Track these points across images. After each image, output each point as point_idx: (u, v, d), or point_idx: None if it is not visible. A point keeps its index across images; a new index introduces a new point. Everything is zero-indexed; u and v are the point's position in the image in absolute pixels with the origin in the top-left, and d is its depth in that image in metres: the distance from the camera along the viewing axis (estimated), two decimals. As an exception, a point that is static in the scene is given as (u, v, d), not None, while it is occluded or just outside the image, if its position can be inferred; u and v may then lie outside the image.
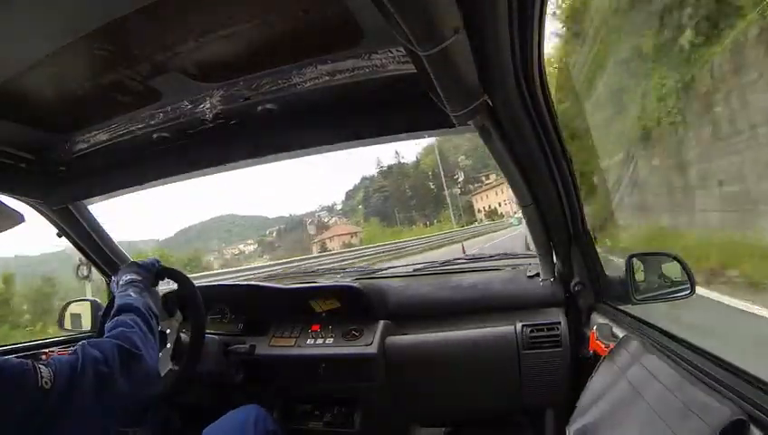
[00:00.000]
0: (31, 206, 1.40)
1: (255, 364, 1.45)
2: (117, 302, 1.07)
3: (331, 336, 1.45)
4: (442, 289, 1.50)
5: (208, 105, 1.07)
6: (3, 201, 0.88)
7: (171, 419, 1.44)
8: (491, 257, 1.78)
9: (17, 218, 0.92)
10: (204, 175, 1.37)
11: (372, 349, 1.37)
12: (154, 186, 1.40)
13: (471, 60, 0.67)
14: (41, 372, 0.74)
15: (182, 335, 1.29)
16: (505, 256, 1.79)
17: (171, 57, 0.91)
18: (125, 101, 1.05)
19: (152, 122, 1.13)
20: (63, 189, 1.39)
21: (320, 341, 1.45)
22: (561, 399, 1.26)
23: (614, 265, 1.38)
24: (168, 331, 1.28)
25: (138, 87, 1.00)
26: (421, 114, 0.97)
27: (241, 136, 1.16)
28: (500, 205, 49.13)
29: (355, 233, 38.59)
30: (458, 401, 1.42)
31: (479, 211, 51.24)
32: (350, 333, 1.44)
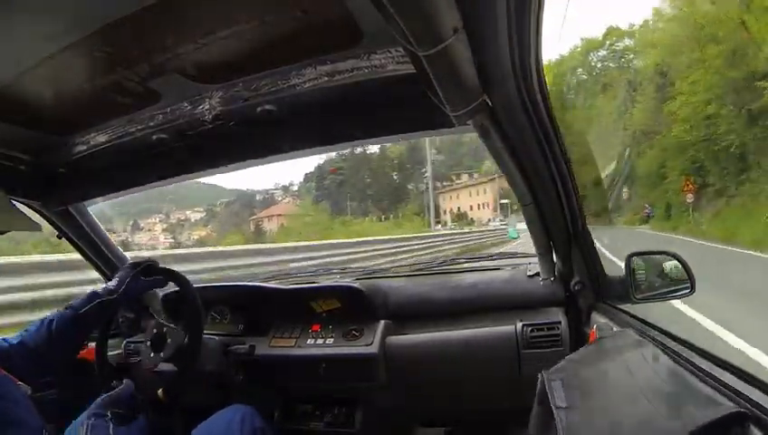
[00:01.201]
0: (30, 207, 1.40)
1: (255, 365, 1.45)
2: None
3: (332, 336, 1.45)
4: (442, 289, 1.50)
5: (208, 106, 1.06)
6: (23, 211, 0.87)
7: (165, 420, 1.41)
8: (491, 257, 1.78)
9: (33, 227, 0.93)
10: (204, 175, 1.37)
11: (373, 349, 1.37)
12: (154, 187, 1.40)
13: (471, 60, 0.67)
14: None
15: (182, 336, 1.29)
16: (505, 255, 1.80)
17: (170, 58, 0.91)
18: (124, 102, 1.05)
19: (151, 124, 1.13)
20: (63, 191, 1.39)
21: (320, 341, 1.45)
22: None
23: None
24: (167, 332, 1.28)
25: (137, 88, 1.00)
26: (421, 114, 0.97)
27: (240, 137, 1.16)
28: (471, 209, 45.26)
29: (294, 216, 34.17)
30: (458, 401, 1.42)
31: (445, 213, 47.45)
32: (350, 333, 1.44)
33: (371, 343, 1.38)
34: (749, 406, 0.56)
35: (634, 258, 1.22)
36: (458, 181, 49.82)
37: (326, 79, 0.97)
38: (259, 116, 1.09)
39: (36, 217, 1.40)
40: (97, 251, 1.62)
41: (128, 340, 1.62)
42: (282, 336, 1.50)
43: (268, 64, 0.97)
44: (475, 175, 48.59)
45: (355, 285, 1.50)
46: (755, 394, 0.58)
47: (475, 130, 0.86)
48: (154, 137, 1.17)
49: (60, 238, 1.55)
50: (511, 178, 1.04)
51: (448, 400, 1.42)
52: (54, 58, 0.84)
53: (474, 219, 42.49)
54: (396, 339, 1.40)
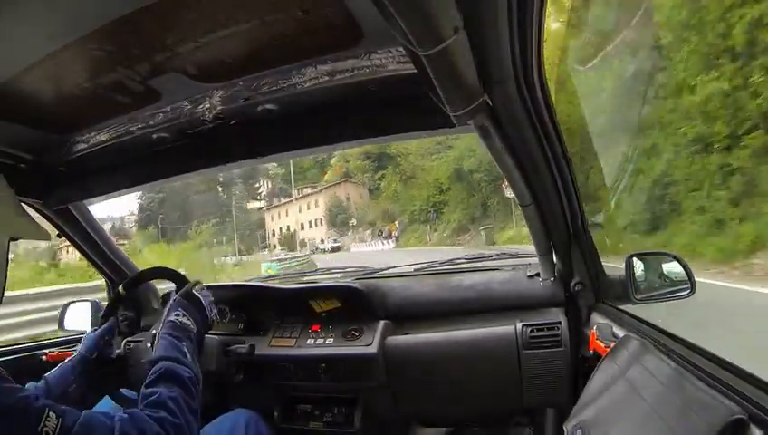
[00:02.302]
0: (30, 206, 1.40)
1: (255, 364, 1.45)
2: (162, 348, 0.93)
3: (331, 336, 1.45)
4: (442, 289, 1.50)
5: (208, 105, 1.07)
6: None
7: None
8: (491, 257, 1.78)
9: (44, 236, 0.94)
10: (203, 175, 1.37)
11: (372, 349, 1.37)
12: (153, 186, 1.41)
13: (471, 60, 0.67)
14: (47, 419, 0.66)
15: None
16: (505, 255, 1.79)
17: (171, 57, 0.91)
18: (125, 101, 1.05)
19: (152, 123, 1.13)
20: (63, 190, 1.39)
21: (320, 341, 1.45)
22: (561, 399, 1.26)
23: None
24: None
25: (137, 87, 1.00)
26: (421, 114, 0.97)
27: (241, 136, 1.16)
28: (303, 227, 37.54)
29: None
30: (458, 401, 1.42)
31: (273, 234, 40.07)
32: (350, 333, 1.43)
33: (371, 344, 1.38)
34: (751, 407, 0.56)
35: (634, 259, 1.22)
36: (301, 196, 41.22)
37: (326, 78, 0.97)
38: (259, 115, 1.09)
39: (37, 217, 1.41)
40: (97, 250, 1.62)
41: (127, 339, 1.62)
42: (282, 336, 1.50)
43: (269, 64, 0.97)
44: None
45: (355, 285, 1.50)
46: (756, 395, 0.58)
47: (476, 130, 0.86)
48: (154, 136, 1.17)
49: (60, 237, 1.55)
50: (511, 178, 1.04)
51: (448, 400, 1.42)
52: (55, 56, 0.84)
53: (306, 240, 36.09)
54: (395, 339, 1.40)
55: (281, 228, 40.51)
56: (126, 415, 0.76)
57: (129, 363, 1.47)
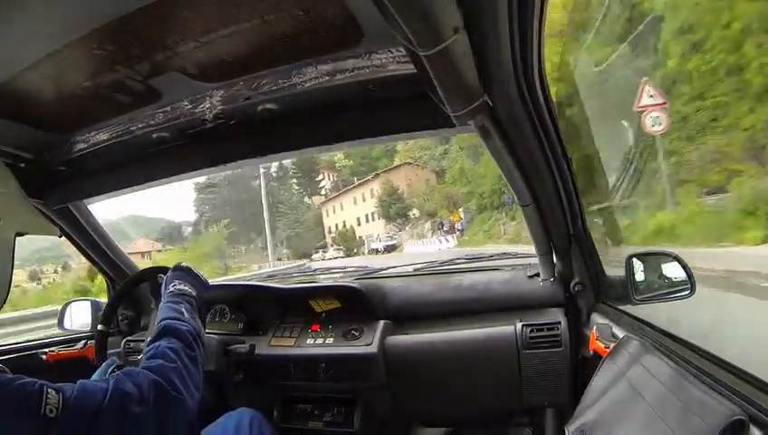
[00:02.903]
0: (42, 213, 1.40)
1: (255, 364, 1.45)
2: (163, 313, 0.95)
3: (331, 336, 1.45)
4: (442, 289, 1.50)
5: (208, 105, 1.07)
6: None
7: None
8: (491, 257, 1.78)
9: (52, 232, 0.94)
10: (203, 175, 1.37)
11: (372, 349, 1.37)
12: (154, 186, 1.40)
13: (471, 60, 0.67)
14: (47, 398, 0.65)
15: None
16: (505, 255, 1.79)
17: (171, 57, 0.91)
18: (125, 100, 1.05)
19: (152, 122, 1.13)
20: (63, 189, 1.39)
21: (320, 341, 1.45)
22: (561, 399, 1.26)
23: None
24: None
25: (138, 87, 1.00)
26: (421, 114, 0.97)
27: (241, 136, 1.16)
28: (359, 223, 30.77)
29: (148, 252, 25.39)
30: (458, 401, 1.42)
31: (330, 231, 33.40)
32: (350, 333, 1.43)
33: (371, 343, 1.38)
34: (751, 408, 0.56)
35: (634, 259, 1.22)
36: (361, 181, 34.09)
37: (327, 78, 0.97)
38: (260, 115, 1.09)
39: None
40: (98, 250, 1.62)
41: (127, 338, 1.63)
42: (282, 336, 1.50)
43: (269, 63, 0.97)
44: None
45: (355, 285, 1.50)
46: (756, 395, 0.59)
47: (476, 130, 0.86)
48: (155, 135, 1.17)
49: (60, 237, 1.55)
50: (511, 178, 1.04)
51: (448, 400, 1.42)
52: (55, 56, 0.84)
53: (363, 238, 29.75)
54: (395, 339, 1.40)
55: (336, 225, 33.64)
56: (120, 373, 0.76)
57: (129, 362, 1.47)
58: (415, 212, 29.66)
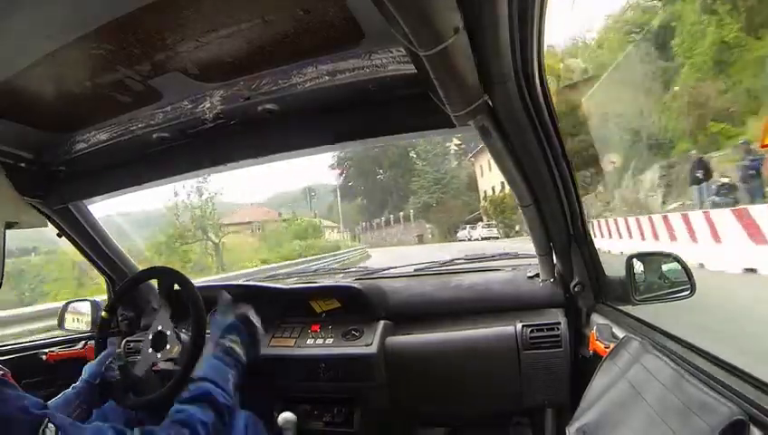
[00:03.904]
0: (31, 205, 1.40)
1: (255, 364, 1.44)
2: (208, 367, 0.90)
3: (331, 336, 1.45)
4: (442, 289, 1.50)
5: (208, 105, 1.07)
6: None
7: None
8: (491, 258, 1.78)
9: (40, 223, 0.93)
10: (203, 175, 1.37)
11: (372, 349, 1.37)
12: (154, 186, 1.40)
13: (471, 60, 0.67)
14: (46, 428, 0.63)
15: (182, 336, 1.29)
16: (505, 256, 1.79)
17: (172, 57, 0.91)
18: (125, 100, 1.05)
19: (152, 122, 1.13)
20: (63, 189, 1.39)
21: (320, 341, 1.45)
22: (561, 399, 1.26)
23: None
24: (168, 332, 1.28)
25: (138, 87, 1.00)
26: (421, 114, 0.97)
27: (241, 136, 1.16)
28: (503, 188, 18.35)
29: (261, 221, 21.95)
30: (458, 402, 1.42)
31: (485, 197, 23.86)
32: (349, 333, 1.43)
33: (371, 344, 1.38)
34: (751, 408, 0.56)
35: (634, 260, 1.22)
36: None
37: (327, 78, 0.97)
38: (260, 115, 1.09)
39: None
40: (98, 250, 1.62)
41: (127, 338, 1.62)
42: (281, 336, 1.50)
43: (269, 63, 0.97)
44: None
45: (355, 285, 1.50)
46: (756, 395, 0.58)
47: (476, 130, 0.86)
48: (155, 135, 1.17)
49: (60, 237, 1.55)
50: (511, 178, 1.04)
51: (448, 400, 1.42)
52: (55, 56, 0.84)
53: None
54: (395, 339, 1.40)
55: (493, 188, 22.71)
56: (139, 432, 0.73)
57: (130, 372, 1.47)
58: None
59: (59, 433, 0.64)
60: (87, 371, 1.24)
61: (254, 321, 1.11)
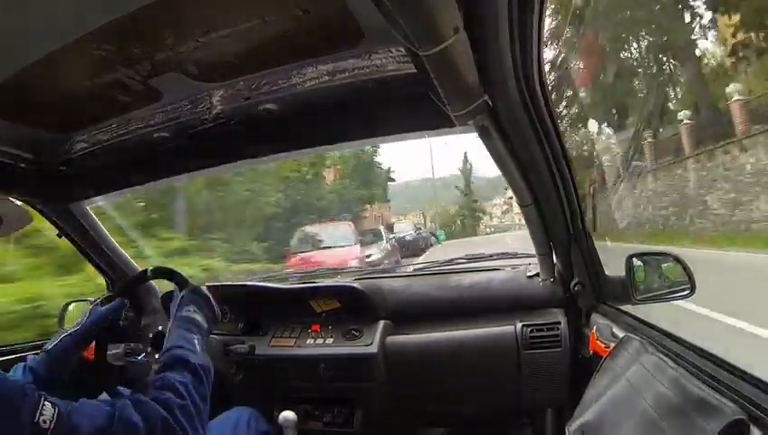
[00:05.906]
0: (30, 205, 1.39)
1: (255, 364, 1.45)
2: (174, 339, 0.91)
3: (331, 336, 1.45)
4: (442, 289, 1.50)
5: (208, 105, 1.07)
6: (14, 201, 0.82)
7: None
8: (491, 257, 1.78)
9: (27, 219, 0.92)
10: (204, 175, 1.37)
11: (372, 349, 1.37)
12: (154, 186, 1.40)
13: (471, 60, 0.67)
14: (42, 408, 0.63)
15: None
16: (505, 255, 1.79)
17: (172, 57, 0.91)
18: (125, 100, 1.05)
19: (152, 122, 1.13)
20: (63, 189, 1.38)
21: (320, 341, 1.45)
22: (561, 399, 1.26)
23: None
24: (165, 329, 1.28)
25: (138, 87, 1.00)
26: (421, 114, 0.97)
27: (241, 136, 1.16)
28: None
29: None
30: (458, 401, 1.42)
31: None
32: (349, 333, 1.44)
33: (371, 344, 1.38)
34: (751, 407, 0.56)
35: (634, 259, 1.22)
36: None
37: (327, 78, 0.97)
38: (260, 115, 1.09)
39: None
40: (98, 251, 1.62)
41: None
42: (281, 336, 1.50)
43: (269, 63, 0.97)
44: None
45: (355, 285, 1.50)
46: (756, 395, 0.59)
47: (476, 130, 0.86)
48: (155, 135, 1.17)
49: (60, 237, 1.55)
50: (511, 178, 1.04)
51: (448, 400, 1.42)
52: (56, 56, 0.84)
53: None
54: (395, 339, 1.40)
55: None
56: (128, 400, 0.73)
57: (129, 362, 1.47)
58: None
59: (55, 408, 0.64)
60: (91, 316, 1.12)
61: (210, 297, 1.10)
